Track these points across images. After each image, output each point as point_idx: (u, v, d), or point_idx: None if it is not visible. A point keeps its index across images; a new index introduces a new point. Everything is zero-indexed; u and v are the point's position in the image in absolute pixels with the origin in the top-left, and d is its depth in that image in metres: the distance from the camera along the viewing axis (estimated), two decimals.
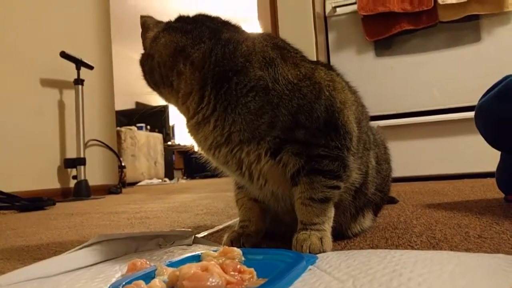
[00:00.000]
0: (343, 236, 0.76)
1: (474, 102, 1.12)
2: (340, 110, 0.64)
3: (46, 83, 2.90)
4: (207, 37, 0.65)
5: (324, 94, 0.63)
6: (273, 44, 0.66)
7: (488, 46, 2.26)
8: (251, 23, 4.91)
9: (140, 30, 0.71)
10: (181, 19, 0.70)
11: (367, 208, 0.80)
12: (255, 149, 0.63)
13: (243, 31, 0.69)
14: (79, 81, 2.95)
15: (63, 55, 2.85)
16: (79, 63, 2.96)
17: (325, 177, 0.63)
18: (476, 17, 2.26)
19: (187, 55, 0.64)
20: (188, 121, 0.68)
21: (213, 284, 0.42)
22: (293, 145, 0.62)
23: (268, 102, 0.60)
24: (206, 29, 0.66)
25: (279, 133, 0.61)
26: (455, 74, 2.30)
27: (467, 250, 0.61)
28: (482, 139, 1.11)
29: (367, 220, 0.81)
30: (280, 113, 0.60)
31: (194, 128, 0.66)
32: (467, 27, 2.29)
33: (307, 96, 0.61)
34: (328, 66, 0.72)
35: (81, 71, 2.98)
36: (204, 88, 0.63)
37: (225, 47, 0.63)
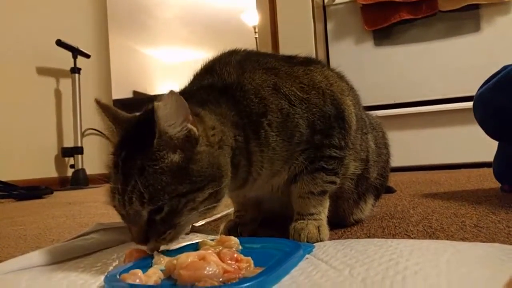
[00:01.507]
0: (342, 223, 0.77)
1: (473, 92, 1.11)
2: (343, 102, 0.68)
3: (43, 71, 2.88)
4: (233, 110, 0.60)
5: (326, 94, 0.66)
6: (264, 69, 0.65)
7: (487, 35, 2.24)
8: (250, 13, 4.85)
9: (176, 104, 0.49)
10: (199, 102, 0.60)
11: (368, 194, 0.81)
12: (285, 169, 0.65)
13: (231, 67, 0.65)
14: (75, 70, 2.93)
15: (59, 43, 2.81)
16: (75, 52, 2.93)
17: (327, 174, 0.66)
18: (476, 6, 2.24)
19: (242, 149, 0.60)
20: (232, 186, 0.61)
21: (210, 273, 0.42)
22: (307, 151, 0.65)
23: (295, 126, 0.63)
24: (223, 105, 0.60)
25: (303, 146, 0.64)
26: (454, 64, 2.29)
27: (463, 239, 0.61)
28: (480, 129, 1.11)
29: (368, 206, 0.82)
30: (302, 129, 0.63)
31: (238, 187, 0.63)
32: (466, 17, 2.27)
33: (318, 104, 0.65)
34: (309, 59, 0.73)
35: (77, 60, 2.95)
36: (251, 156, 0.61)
37: (243, 100, 0.61)
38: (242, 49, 0.71)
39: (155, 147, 0.49)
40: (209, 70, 0.67)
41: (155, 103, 0.48)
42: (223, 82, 0.63)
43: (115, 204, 0.52)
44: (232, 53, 0.69)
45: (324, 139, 0.65)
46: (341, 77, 0.77)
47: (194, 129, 0.51)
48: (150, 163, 0.49)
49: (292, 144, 0.63)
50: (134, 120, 0.56)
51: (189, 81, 0.68)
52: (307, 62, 0.71)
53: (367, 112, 0.87)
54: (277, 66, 0.67)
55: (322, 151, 0.65)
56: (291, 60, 0.70)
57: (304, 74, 0.67)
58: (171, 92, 0.48)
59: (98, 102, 0.57)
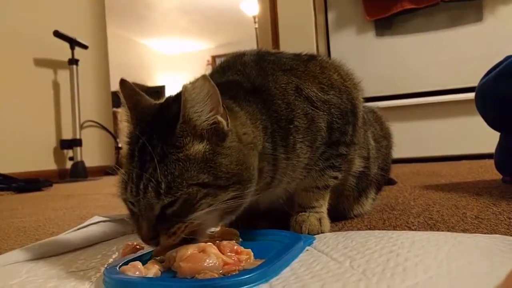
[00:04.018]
0: (342, 217, 0.77)
1: (475, 83, 1.10)
2: (356, 98, 0.69)
3: (40, 63, 2.85)
4: (264, 121, 0.58)
5: (342, 90, 0.66)
6: (283, 71, 0.64)
7: (490, 26, 2.21)
8: (249, 3, 4.80)
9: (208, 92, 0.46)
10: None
11: (369, 189, 0.81)
12: (303, 175, 0.64)
13: (251, 68, 0.63)
14: (73, 61, 2.91)
15: (57, 34, 2.79)
16: (73, 43, 2.91)
17: (334, 170, 0.66)
18: None
19: (274, 157, 0.58)
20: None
21: (210, 265, 0.42)
22: (324, 153, 0.64)
23: (318, 130, 0.62)
24: (260, 115, 0.58)
25: (322, 149, 0.63)
26: (456, 54, 2.26)
27: (464, 231, 0.61)
28: (481, 120, 1.10)
29: (369, 200, 0.82)
30: (323, 132, 0.63)
31: (258, 194, 0.60)
32: (469, 6, 2.24)
33: (336, 103, 0.64)
34: (313, 56, 0.71)
35: (75, 51, 2.92)
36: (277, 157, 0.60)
37: (272, 104, 0.59)
38: (249, 50, 0.69)
39: (178, 133, 0.45)
40: (229, 68, 0.65)
41: (184, 84, 0.44)
42: (250, 83, 0.60)
43: (127, 196, 0.47)
44: (243, 54, 0.67)
45: (340, 136, 0.65)
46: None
47: (224, 122, 0.48)
48: (173, 150, 0.45)
49: (314, 148, 0.62)
50: (155, 108, 0.52)
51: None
52: (312, 58, 0.70)
53: (366, 104, 0.86)
54: (293, 66, 0.65)
55: (336, 149, 0.65)
56: (299, 58, 0.69)
57: (321, 73, 0.66)
58: (203, 76, 0.44)
59: (122, 82, 0.52)
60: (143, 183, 0.45)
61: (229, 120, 0.49)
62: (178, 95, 0.50)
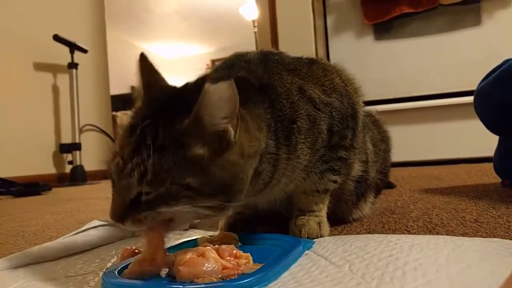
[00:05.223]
0: (341, 221, 0.77)
1: (474, 86, 1.11)
2: (357, 102, 0.69)
3: (40, 67, 2.86)
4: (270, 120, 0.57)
5: (344, 94, 0.67)
6: (287, 71, 0.64)
7: (488, 29, 2.22)
8: (248, 7, 4.83)
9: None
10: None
11: (368, 193, 0.81)
12: (302, 177, 0.64)
13: (256, 65, 0.63)
14: (73, 65, 2.91)
15: (56, 38, 2.79)
16: (72, 47, 2.91)
17: (333, 174, 0.66)
18: (477, 0, 2.22)
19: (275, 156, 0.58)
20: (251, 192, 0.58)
21: (209, 269, 0.42)
22: (324, 156, 0.64)
23: (319, 132, 0.62)
24: (265, 116, 0.57)
25: (321, 152, 0.63)
26: (455, 58, 2.27)
27: (464, 234, 0.61)
28: (481, 123, 1.11)
29: (368, 204, 0.82)
30: (324, 135, 0.63)
31: (255, 193, 0.60)
32: (467, 10, 2.25)
33: (338, 107, 0.65)
34: (313, 60, 0.71)
35: (75, 55, 2.93)
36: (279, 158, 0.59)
37: (277, 103, 0.59)
38: (251, 51, 0.69)
39: (184, 131, 0.45)
40: (233, 66, 0.64)
41: (207, 85, 0.43)
42: (258, 80, 0.60)
43: (111, 166, 0.46)
44: (245, 53, 0.67)
45: (340, 140, 0.65)
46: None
47: (232, 133, 0.47)
48: (172, 145, 0.44)
49: (314, 150, 0.62)
50: (170, 91, 0.52)
51: (212, 72, 0.65)
52: (314, 61, 0.70)
53: (364, 107, 0.86)
54: (297, 67, 0.65)
55: (336, 152, 0.65)
56: (301, 60, 0.69)
57: (324, 75, 0.66)
58: (230, 82, 0.43)
59: (142, 56, 0.52)
60: (132, 164, 0.44)
61: (238, 133, 0.48)
62: (197, 85, 0.49)
